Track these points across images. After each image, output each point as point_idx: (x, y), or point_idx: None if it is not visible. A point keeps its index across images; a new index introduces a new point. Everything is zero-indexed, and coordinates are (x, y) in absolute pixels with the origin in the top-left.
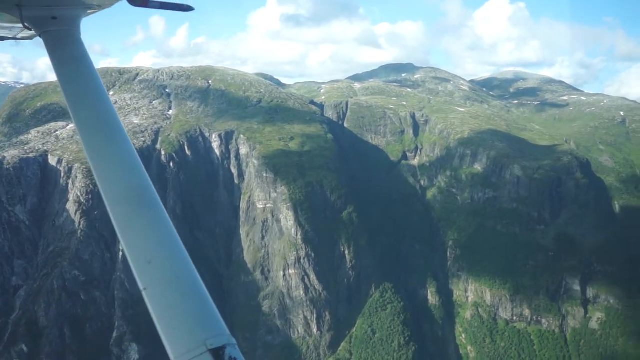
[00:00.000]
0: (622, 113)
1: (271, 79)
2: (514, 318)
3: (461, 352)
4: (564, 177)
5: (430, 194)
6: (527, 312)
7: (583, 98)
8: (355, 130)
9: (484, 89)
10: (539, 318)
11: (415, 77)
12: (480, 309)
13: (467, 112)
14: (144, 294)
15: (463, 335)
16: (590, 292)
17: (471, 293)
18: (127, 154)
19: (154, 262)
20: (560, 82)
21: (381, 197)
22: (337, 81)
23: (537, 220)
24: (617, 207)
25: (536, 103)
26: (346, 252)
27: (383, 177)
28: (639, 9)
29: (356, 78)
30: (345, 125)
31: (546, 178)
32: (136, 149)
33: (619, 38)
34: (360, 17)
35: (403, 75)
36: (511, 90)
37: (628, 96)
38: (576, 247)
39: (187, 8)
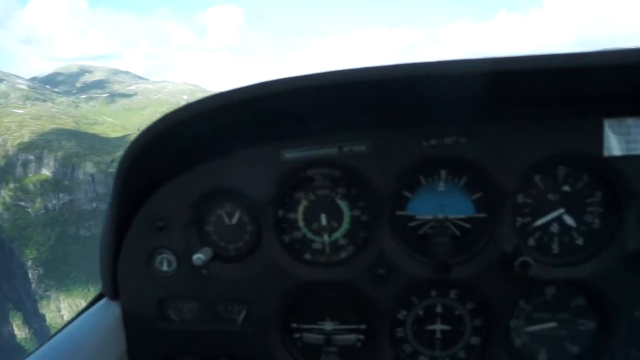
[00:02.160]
0: (185, 97)
1: None
2: None
3: None
4: None
5: None
6: None
7: (150, 86)
8: None
9: (48, 86)
10: None
11: None
12: None
13: (27, 113)
14: None
15: None
16: None
17: (65, 310)
18: None
19: None
20: (127, 72)
21: None
22: None
23: None
24: None
25: (105, 95)
26: None
27: None
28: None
29: None
30: None
31: None
32: None
33: (172, 27)
34: None
35: None
36: (78, 84)
37: (189, 81)
38: None
39: None
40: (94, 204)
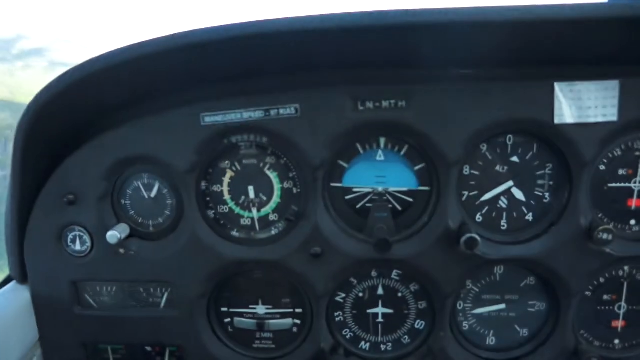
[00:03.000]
0: None
1: None
2: None
3: None
4: None
5: None
6: None
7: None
8: None
9: None
10: None
11: None
12: None
13: None
14: None
15: None
16: None
17: None
18: None
19: None
20: (69, 41)
21: None
22: None
23: None
24: None
25: (45, 64)
26: None
27: None
28: None
29: None
30: None
31: None
32: None
33: None
34: None
35: None
36: (14, 51)
37: None
38: None
39: None
40: None
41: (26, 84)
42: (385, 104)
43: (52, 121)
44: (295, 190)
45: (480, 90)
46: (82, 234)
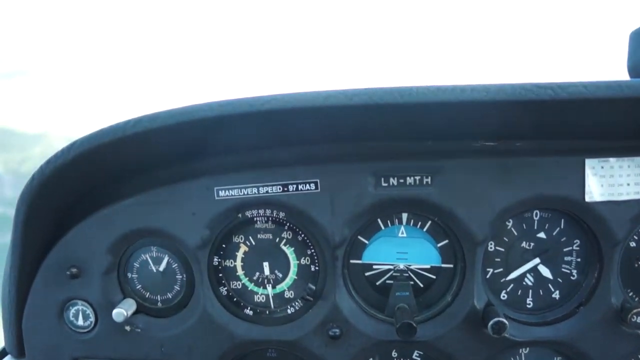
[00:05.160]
0: None
1: None
2: None
3: None
4: None
5: None
6: None
7: None
8: None
9: None
10: None
11: None
12: None
13: None
14: None
15: None
16: None
17: None
18: None
19: None
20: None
21: None
22: None
23: None
24: None
25: (31, 83)
26: None
27: None
28: None
29: None
30: None
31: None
32: None
33: None
34: None
35: None
36: None
37: None
38: None
39: None
40: (2, 209)
41: (6, 102)
42: (409, 180)
43: (57, 191)
44: (313, 268)
45: (508, 165)
46: (85, 308)
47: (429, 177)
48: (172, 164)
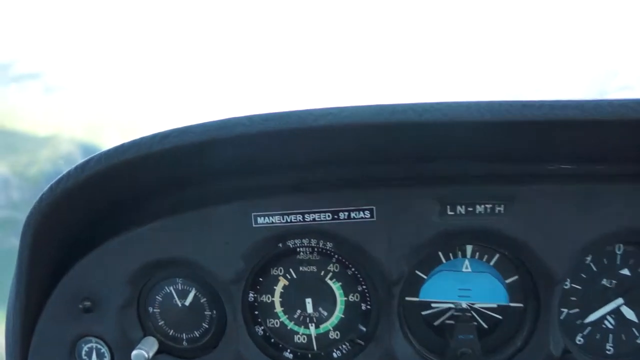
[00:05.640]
0: None
1: None
2: None
3: None
4: (65, 168)
5: None
6: None
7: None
8: None
9: None
10: None
11: None
12: None
13: None
14: None
15: None
16: None
17: None
18: None
19: None
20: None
21: None
22: None
23: None
24: None
25: (40, 87)
26: None
27: None
28: None
29: None
30: None
31: (43, 173)
32: None
33: None
34: None
35: None
36: (11, 74)
37: None
38: None
39: None
40: (7, 212)
41: (18, 107)
42: (479, 208)
43: (70, 214)
44: (363, 306)
45: (593, 192)
46: (100, 346)
47: (502, 205)
48: (202, 184)
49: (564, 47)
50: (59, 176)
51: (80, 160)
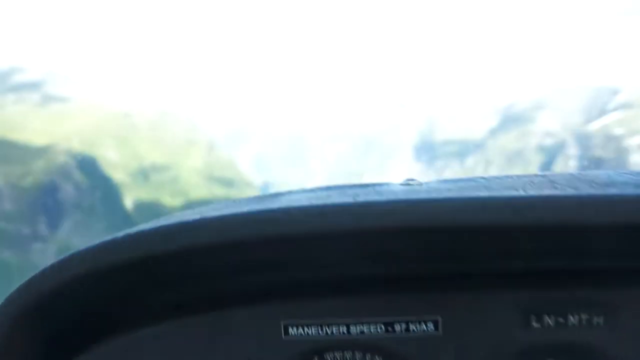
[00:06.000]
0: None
1: None
2: None
3: None
4: (60, 180)
5: None
6: None
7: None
8: None
9: None
10: None
11: None
12: None
13: None
14: None
15: None
16: None
17: None
18: None
19: None
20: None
21: None
22: None
23: (32, 238)
24: (129, 204)
25: (38, 97)
26: None
27: None
28: None
29: None
30: None
31: (37, 185)
32: None
33: None
34: None
35: None
36: (8, 83)
37: None
38: None
39: None
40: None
41: (15, 118)
42: (572, 319)
43: (51, 316)
44: None
45: None
46: None
47: (601, 317)
48: (217, 282)
49: (566, 64)
50: (40, 271)
51: (75, 172)
